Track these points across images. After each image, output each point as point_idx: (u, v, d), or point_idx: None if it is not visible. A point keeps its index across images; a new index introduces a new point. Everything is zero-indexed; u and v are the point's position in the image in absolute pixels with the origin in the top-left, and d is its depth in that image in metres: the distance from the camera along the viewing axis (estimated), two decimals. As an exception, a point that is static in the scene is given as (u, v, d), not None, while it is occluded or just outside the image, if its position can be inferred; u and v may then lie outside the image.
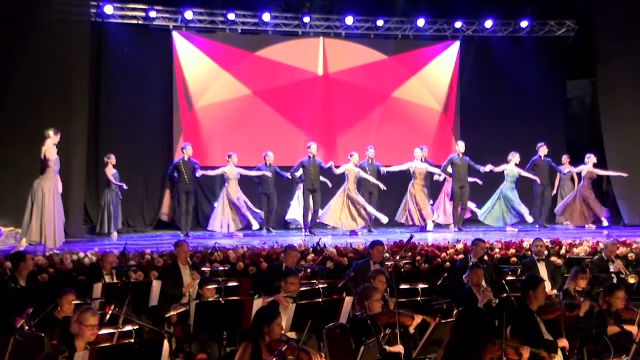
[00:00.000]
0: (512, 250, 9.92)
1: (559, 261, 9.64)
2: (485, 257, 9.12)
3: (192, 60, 13.70)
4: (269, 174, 12.25)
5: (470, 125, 14.68)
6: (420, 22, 14.30)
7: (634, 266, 9.26)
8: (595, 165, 12.76)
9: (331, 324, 5.83)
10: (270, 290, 7.08)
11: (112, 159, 11.87)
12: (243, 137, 13.66)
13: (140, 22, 13.34)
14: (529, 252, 9.34)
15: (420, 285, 6.91)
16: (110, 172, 11.83)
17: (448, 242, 10.21)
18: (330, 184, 12.39)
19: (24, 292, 6.99)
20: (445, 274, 8.93)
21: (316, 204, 12.26)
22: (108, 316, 6.02)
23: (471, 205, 13.00)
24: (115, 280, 7.55)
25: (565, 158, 13.39)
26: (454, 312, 6.52)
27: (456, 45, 14.89)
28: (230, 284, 6.90)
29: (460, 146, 12.68)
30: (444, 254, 9.70)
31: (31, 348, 5.32)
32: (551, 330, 5.84)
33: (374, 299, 6.05)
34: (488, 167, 12.47)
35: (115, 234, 11.76)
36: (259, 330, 5.01)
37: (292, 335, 5.82)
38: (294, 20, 14.10)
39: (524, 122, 14.41)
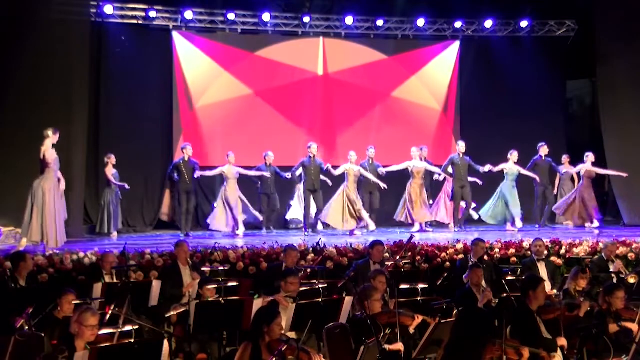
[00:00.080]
0: (512, 250, 9.92)
1: (559, 261, 9.64)
2: (485, 257, 9.12)
3: (192, 60, 13.70)
4: (268, 174, 12.25)
5: (470, 125, 14.68)
6: (420, 22, 14.31)
7: (634, 266, 9.26)
8: (594, 164, 12.75)
9: (331, 324, 5.84)
10: (270, 290, 7.08)
11: (112, 159, 11.87)
12: (243, 136, 13.66)
13: (140, 22, 13.34)
14: (529, 252, 9.34)
15: (420, 285, 6.92)
16: (110, 172, 11.82)
17: (448, 242, 10.21)
18: (330, 183, 12.38)
19: (24, 292, 6.99)
20: (445, 274, 8.93)
21: (319, 203, 12.26)
22: (108, 316, 6.02)
23: (471, 210, 12.98)
24: (115, 280, 7.55)
25: (565, 158, 13.39)
26: (454, 312, 6.52)
27: (456, 45, 14.89)
28: (230, 284, 6.90)
29: (461, 146, 12.68)
30: (444, 254, 9.70)
31: (31, 348, 5.32)
32: (551, 330, 5.84)
33: (374, 299, 6.05)
34: (487, 168, 12.48)
35: (115, 234, 11.76)
36: (259, 330, 5.01)
37: (292, 335, 5.82)
38: (294, 20, 14.10)
39: (524, 122, 14.41)
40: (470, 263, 8.15)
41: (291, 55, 14.18)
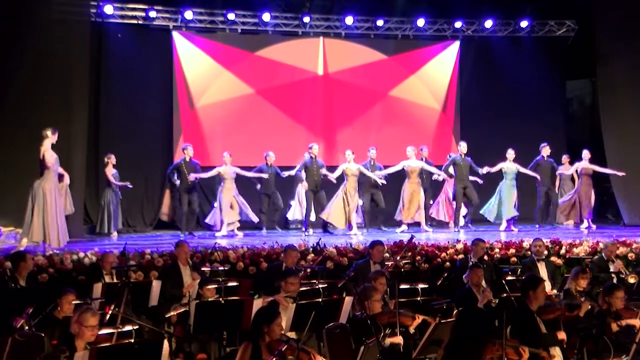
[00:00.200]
0: (512, 250, 9.92)
1: (559, 261, 9.63)
2: (485, 257, 9.11)
3: (192, 59, 13.71)
4: (265, 175, 12.24)
5: (470, 125, 14.69)
6: (420, 22, 14.31)
7: (634, 266, 9.25)
8: (591, 161, 12.73)
9: (331, 324, 5.84)
10: (270, 290, 7.07)
11: (112, 159, 11.87)
12: (243, 136, 13.67)
13: (140, 22, 13.35)
14: (529, 252, 9.33)
15: (420, 285, 6.93)
16: (110, 172, 11.82)
17: (448, 242, 10.21)
18: (334, 180, 12.35)
19: (24, 292, 6.98)
20: (445, 274, 8.93)
21: (322, 202, 12.25)
22: (108, 316, 6.02)
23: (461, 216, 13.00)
24: (115, 280, 7.54)
25: (565, 158, 13.38)
26: (454, 312, 6.52)
27: (456, 45, 14.90)
28: (230, 284, 6.90)
29: (463, 147, 12.68)
30: (444, 254, 9.70)
31: (31, 348, 5.32)
32: (551, 329, 5.84)
33: (374, 300, 6.05)
34: (485, 169, 12.49)
35: (115, 234, 11.76)
36: (259, 330, 5.01)
37: (292, 335, 5.82)
38: (294, 20, 14.11)
39: (524, 122, 14.42)
40: (470, 263, 8.15)
41: (291, 55, 14.19)
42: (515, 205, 12.53)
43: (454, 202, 12.79)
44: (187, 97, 13.67)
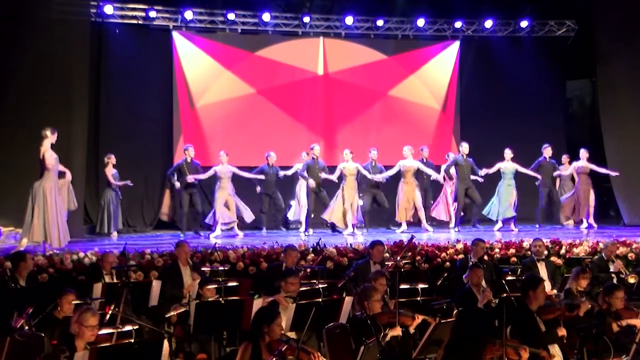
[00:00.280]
0: (512, 250, 9.91)
1: (559, 261, 9.63)
2: (485, 257, 9.11)
3: (192, 59, 13.70)
4: (262, 176, 12.23)
5: (470, 125, 14.69)
6: (420, 22, 14.31)
7: (634, 266, 9.25)
8: (589, 160, 12.72)
9: (331, 324, 5.84)
10: (270, 290, 7.07)
11: (112, 159, 11.87)
12: (244, 136, 13.67)
13: (140, 22, 13.35)
14: (529, 252, 9.33)
15: (420, 285, 6.93)
16: (110, 172, 11.82)
17: (448, 242, 10.21)
18: (336, 180, 12.35)
19: (24, 292, 6.99)
20: (445, 274, 8.93)
21: (325, 202, 12.24)
22: (108, 316, 6.02)
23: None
24: (115, 280, 7.55)
25: (565, 158, 13.38)
26: (454, 312, 6.52)
27: (456, 45, 14.90)
28: (230, 284, 6.90)
29: (465, 147, 12.68)
30: (444, 254, 9.70)
31: (31, 348, 5.32)
32: (551, 328, 5.85)
33: (373, 300, 6.05)
34: (483, 172, 12.53)
35: (115, 234, 11.76)
36: (259, 330, 5.01)
37: (292, 335, 5.82)
38: (294, 20, 14.11)
39: (524, 122, 14.42)
40: (470, 263, 8.15)
41: (291, 55, 14.19)
42: (514, 205, 12.51)
43: (455, 203, 12.79)
44: (187, 97, 13.67)
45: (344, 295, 6.72)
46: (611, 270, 8.64)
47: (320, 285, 6.64)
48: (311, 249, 9.54)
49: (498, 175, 12.72)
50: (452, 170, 12.83)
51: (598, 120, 13.92)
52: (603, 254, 8.97)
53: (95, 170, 12.56)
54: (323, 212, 12.21)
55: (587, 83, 16.11)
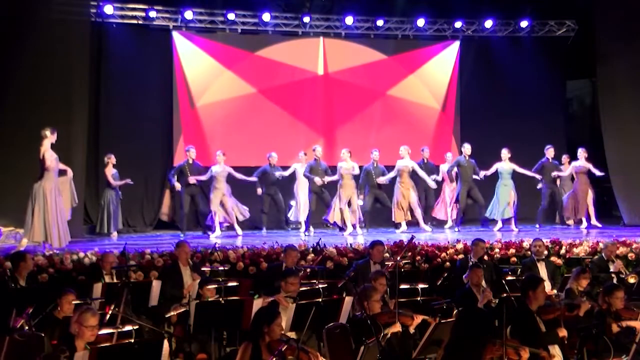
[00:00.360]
0: (512, 250, 9.91)
1: (559, 261, 9.63)
2: (485, 257, 9.11)
3: (192, 59, 13.71)
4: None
5: (470, 125, 14.69)
6: (420, 22, 14.32)
7: (634, 266, 9.25)
8: (587, 160, 12.71)
9: (331, 324, 5.84)
10: (270, 290, 7.07)
11: (112, 159, 11.87)
12: (244, 136, 13.68)
13: (140, 22, 13.35)
14: (529, 252, 9.33)
15: (420, 285, 6.93)
16: (110, 172, 11.82)
17: (448, 242, 10.21)
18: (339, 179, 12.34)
19: (24, 292, 6.99)
20: (445, 274, 8.93)
21: (328, 202, 12.23)
22: (108, 316, 6.02)
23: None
24: (115, 280, 7.54)
25: (565, 158, 13.39)
26: (454, 312, 6.52)
27: (456, 45, 14.90)
28: (230, 284, 6.90)
29: (467, 148, 12.68)
30: (444, 254, 9.69)
31: (31, 348, 5.32)
32: (551, 328, 5.84)
33: (373, 300, 6.05)
34: (482, 174, 12.53)
35: (115, 234, 11.76)
36: (259, 330, 5.01)
37: (292, 335, 5.82)
38: (294, 20, 14.11)
39: (524, 122, 14.42)
40: (470, 263, 8.15)
41: (291, 55, 14.19)
42: (514, 205, 12.50)
43: (454, 204, 12.79)
44: (187, 96, 13.67)
45: (344, 295, 6.72)
46: (611, 270, 8.64)
47: (320, 285, 6.64)
48: (311, 249, 9.54)
49: (498, 176, 12.72)
50: (454, 171, 12.83)
51: (598, 120, 13.92)
52: (603, 254, 8.97)
53: (95, 170, 12.56)
54: (326, 213, 12.22)
55: (587, 83, 16.11)
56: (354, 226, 11.97)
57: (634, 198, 13.02)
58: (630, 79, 13.00)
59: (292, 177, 12.82)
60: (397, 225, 12.55)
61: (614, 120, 13.35)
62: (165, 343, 5.05)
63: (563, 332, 5.77)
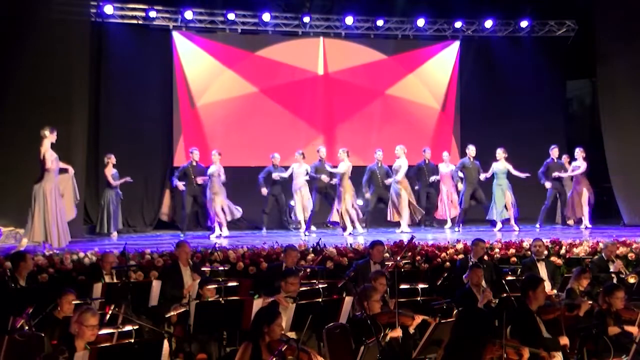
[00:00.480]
0: (512, 250, 9.92)
1: (559, 261, 9.63)
2: (485, 257, 9.12)
3: (192, 59, 13.70)
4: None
5: (470, 125, 14.70)
6: (420, 22, 14.32)
7: (634, 266, 9.25)
8: (585, 159, 12.70)
9: (331, 324, 5.84)
10: (270, 290, 7.07)
11: (112, 159, 11.87)
12: (244, 136, 13.69)
13: (140, 22, 13.34)
14: (529, 252, 9.33)
15: (420, 285, 6.93)
16: (110, 172, 11.82)
17: (448, 242, 10.22)
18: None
19: (24, 292, 6.99)
20: (445, 274, 8.93)
21: (331, 201, 12.24)
22: (108, 316, 6.02)
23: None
24: (115, 280, 7.55)
25: (565, 158, 13.36)
26: (454, 312, 6.52)
27: (456, 45, 14.90)
28: (230, 284, 6.90)
29: (471, 150, 12.70)
30: (444, 254, 9.70)
31: (31, 348, 5.33)
32: (551, 330, 5.84)
33: (373, 300, 6.04)
34: (482, 176, 12.53)
35: (115, 234, 11.76)
36: (259, 330, 5.00)
37: (292, 335, 5.82)
38: (294, 20, 14.11)
39: (524, 122, 14.42)
40: (470, 263, 8.15)
41: (291, 55, 14.19)
42: (512, 205, 12.46)
43: (460, 204, 12.79)
44: (187, 96, 13.67)
45: (344, 295, 6.71)
46: (611, 270, 8.64)
47: (320, 285, 6.64)
48: (311, 249, 9.54)
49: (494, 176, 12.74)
50: (460, 174, 12.83)
51: (598, 120, 13.91)
52: (603, 254, 8.97)
53: (95, 170, 12.56)
54: (330, 214, 12.26)
55: (587, 83, 16.11)
56: (353, 224, 11.96)
57: (634, 198, 13.01)
58: (630, 79, 13.00)
59: (290, 178, 12.81)
60: (397, 225, 12.56)
61: (614, 120, 13.35)
62: (165, 343, 5.05)
63: (565, 341, 5.74)
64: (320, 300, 6.24)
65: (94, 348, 4.74)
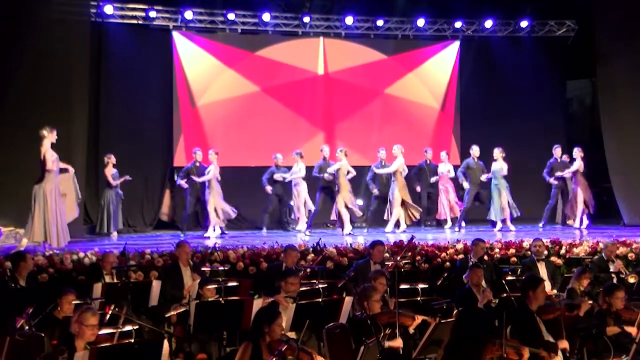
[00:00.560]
0: (512, 250, 9.92)
1: (559, 261, 9.64)
2: (485, 257, 9.12)
3: (192, 59, 13.70)
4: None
5: (470, 125, 14.69)
6: (420, 22, 14.32)
7: (634, 266, 9.25)
8: (583, 159, 12.70)
9: (331, 324, 5.83)
10: (270, 290, 7.07)
11: (112, 159, 11.87)
12: (244, 135, 13.69)
13: (140, 22, 13.34)
14: (529, 252, 9.33)
15: (420, 285, 6.92)
16: (110, 172, 11.82)
17: (448, 242, 10.22)
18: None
19: (24, 292, 6.99)
20: (445, 274, 8.94)
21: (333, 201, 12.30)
22: (108, 316, 6.02)
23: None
24: (115, 280, 7.55)
25: (565, 158, 13.37)
26: (454, 312, 6.52)
27: (456, 45, 14.91)
28: (230, 284, 6.90)
29: (475, 150, 12.71)
30: (444, 254, 9.70)
31: (31, 348, 5.32)
32: (551, 330, 5.83)
33: (373, 300, 6.04)
34: (484, 177, 12.54)
35: (115, 234, 11.76)
36: (259, 330, 5.00)
37: (292, 335, 5.82)
38: (294, 20, 14.11)
39: (524, 122, 14.42)
40: (470, 263, 8.15)
41: (291, 55, 14.19)
42: (508, 205, 12.46)
43: (463, 203, 12.79)
44: (187, 96, 13.66)
45: (344, 295, 6.71)
46: (611, 270, 8.64)
47: (320, 285, 6.63)
48: (311, 249, 9.55)
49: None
50: (462, 175, 12.85)
51: (598, 120, 13.92)
52: (603, 254, 8.97)
53: (95, 170, 12.55)
54: (331, 214, 12.26)
55: (587, 83, 16.11)
56: (352, 223, 11.95)
57: (634, 198, 13.02)
58: (630, 79, 13.01)
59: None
60: (397, 225, 12.56)
61: (614, 120, 13.35)
62: (165, 343, 5.05)
63: (564, 345, 5.72)
64: (320, 300, 6.23)
65: (94, 348, 4.74)
